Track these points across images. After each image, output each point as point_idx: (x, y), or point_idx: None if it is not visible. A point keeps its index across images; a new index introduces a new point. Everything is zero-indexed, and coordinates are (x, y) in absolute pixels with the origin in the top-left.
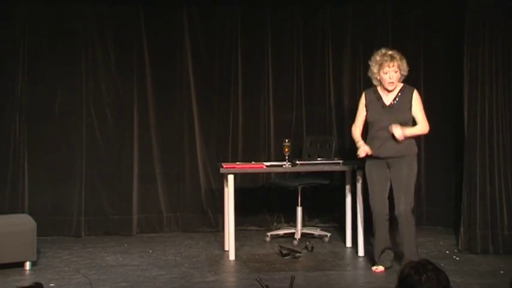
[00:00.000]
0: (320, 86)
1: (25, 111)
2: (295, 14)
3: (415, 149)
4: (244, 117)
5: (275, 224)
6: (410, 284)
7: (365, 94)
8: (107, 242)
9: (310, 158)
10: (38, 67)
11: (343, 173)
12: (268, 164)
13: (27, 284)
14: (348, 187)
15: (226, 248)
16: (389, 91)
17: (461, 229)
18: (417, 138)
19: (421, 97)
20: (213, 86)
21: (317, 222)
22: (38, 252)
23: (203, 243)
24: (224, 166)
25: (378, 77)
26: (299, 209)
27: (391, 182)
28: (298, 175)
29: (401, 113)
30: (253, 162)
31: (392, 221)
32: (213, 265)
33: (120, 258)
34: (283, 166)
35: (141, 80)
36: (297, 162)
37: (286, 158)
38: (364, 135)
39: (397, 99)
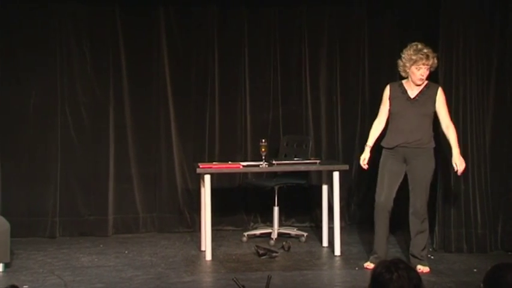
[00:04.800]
0: (297, 86)
1: None
2: (272, 14)
3: (433, 143)
4: (221, 117)
5: (252, 224)
6: (382, 283)
7: (390, 86)
8: (82, 243)
9: (286, 158)
10: (11, 67)
11: (319, 172)
12: (245, 164)
13: (1, 286)
14: (324, 187)
15: (202, 248)
16: (418, 85)
17: (436, 228)
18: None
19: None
20: (190, 86)
21: (294, 222)
22: (12, 253)
23: (179, 244)
24: (201, 166)
25: (408, 71)
26: (276, 209)
27: (404, 178)
28: (275, 175)
29: (425, 106)
30: (229, 162)
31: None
32: (190, 265)
33: (96, 259)
34: (260, 166)
35: (117, 79)
36: (274, 162)
37: (263, 158)
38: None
39: (422, 93)
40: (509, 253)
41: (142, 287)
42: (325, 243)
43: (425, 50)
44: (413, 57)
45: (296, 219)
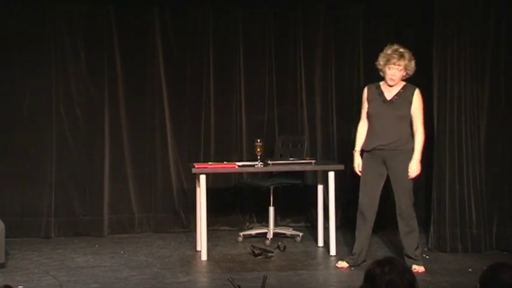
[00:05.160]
0: (292, 86)
1: None
2: (267, 14)
3: (412, 145)
4: (216, 117)
5: (247, 224)
6: (373, 277)
7: (367, 88)
8: (77, 243)
9: (282, 158)
10: (5, 66)
11: (315, 172)
12: (240, 164)
13: None
14: (319, 187)
15: (198, 248)
16: (390, 86)
17: (431, 228)
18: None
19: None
20: (185, 86)
21: (289, 222)
22: (7, 254)
23: (175, 244)
24: (196, 166)
25: (383, 70)
26: (271, 209)
27: (386, 181)
28: (270, 175)
29: (401, 108)
30: (225, 162)
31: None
32: (185, 265)
33: (91, 259)
34: (255, 166)
35: (112, 79)
36: (269, 162)
37: (258, 158)
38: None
39: (399, 95)
40: (504, 253)
41: (138, 287)
42: (320, 243)
43: (400, 50)
44: (387, 57)
45: (291, 219)
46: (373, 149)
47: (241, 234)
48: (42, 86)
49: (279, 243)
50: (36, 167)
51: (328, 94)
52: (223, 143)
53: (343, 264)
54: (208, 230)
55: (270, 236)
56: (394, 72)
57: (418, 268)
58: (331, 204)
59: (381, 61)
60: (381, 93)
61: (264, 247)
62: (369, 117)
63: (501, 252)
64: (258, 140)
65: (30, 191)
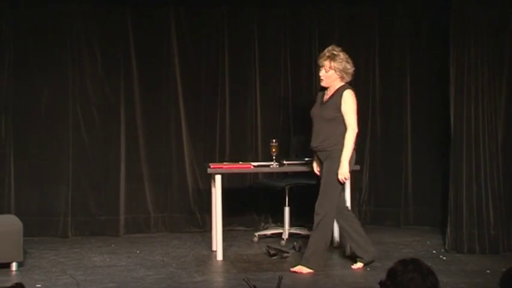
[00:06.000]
0: (307, 85)
1: (11, 111)
2: (282, 14)
3: (340, 147)
4: (231, 117)
5: (263, 224)
6: (395, 273)
7: (319, 92)
8: (93, 242)
9: (297, 158)
10: (23, 67)
11: None
12: (255, 164)
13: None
14: None
15: (213, 248)
16: (324, 88)
17: (448, 229)
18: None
19: (356, 97)
20: (200, 86)
21: (304, 222)
22: (25, 252)
23: (191, 244)
24: (211, 166)
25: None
26: (286, 209)
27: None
28: (285, 175)
29: (328, 110)
30: (240, 163)
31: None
32: (201, 265)
33: (107, 259)
34: (271, 166)
35: (127, 80)
36: (284, 162)
37: (274, 158)
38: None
39: (331, 97)
40: None
41: (154, 286)
42: (335, 243)
43: (333, 52)
44: (318, 59)
45: (307, 220)
46: (311, 150)
47: (256, 234)
48: (59, 86)
49: (294, 243)
50: (53, 167)
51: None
52: (238, 143)
53: (357, 265)
54: (223, 230)
55: (285, 236)
56: (322, 73)
57: (299, 269)
58: (347, 205)
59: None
60: (323, 96)
61: (279, 247)
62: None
63: None
64: (273, 140)
65: (47, 190)
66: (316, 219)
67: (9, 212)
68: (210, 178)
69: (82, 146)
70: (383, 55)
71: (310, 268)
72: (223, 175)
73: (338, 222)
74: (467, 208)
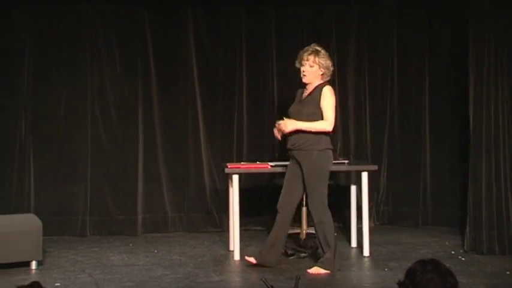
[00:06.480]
0: None
1: (31, 111)
2: (300, 14)
3: (321, 145)
4: (249, 117)
5: None
6: (414, 273)
7: (298, 90)
8: (112, 241)
9: None
10: (43, 67)
11: (348, 173)
12: (273, 164)
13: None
14: (353, 187)
15: (231, 248)
16: (306, 84)
17: (467, 229)
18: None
19: (335, 94)
20: (218, 86)
21: None
22: (44, 251)
23: (208, 243)
24: (229, 166)
25: (300, 68)
26: (304, 209)
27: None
28: None
29: (307, 107)
30: (258, 162)
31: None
32: (218, 265)
33: (126, 258)
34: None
35: (145, 80)
36: None
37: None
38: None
39: (310, 94)
40: None
41: (171, 286)
42: (353, 243)
43: (315, 48)
44: (300, 55)
45: None
46: (288, 149)
47: None
48: (78, 87)
49: (312, 243)
50: (72, 167)
51: (361, 94)
52: (255, 143)
53: (251, 259)
54: (241, 230)
55: (302, 236)
56: (305, 68)
57: (315, 270)
58: (364, 205)
59: (296, 60)
60: (301, 94)
61: (296, 247)
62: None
63: None
64: None
65: (66, 190)
66: (320, 222)
67: (28, 212)
68: (228, 178)
69: (100, 145)
70: (401, 55)
71: (327, 269)
72: (240, 175)
73: (287, 218)
74: (487, 208)
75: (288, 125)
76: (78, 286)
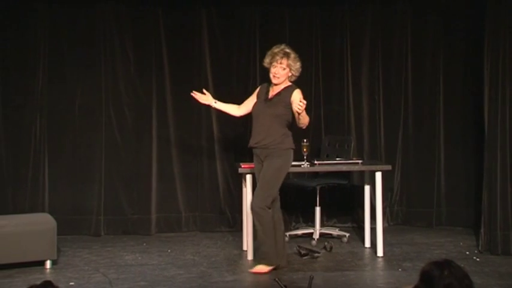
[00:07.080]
0: (338, 85)
1: (45, 110)
2: (314, 14)
3: (287, 145)
4: None
5: (293, 224)
6: (431, 278)
7: (260, 87)
8: (126, 241)
9: (328, 158)
10: (58, 67)
11: (361, 172)
12: None
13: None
14: (366, 187)
15: (244, 248)
16: (275, 85)
17: (482, 230)
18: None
19: (302, 94)
20: (232, 86)
21: (335, 222)
22: (58, 251)
23: (221, 243)
24: (242, 166)
25: (269, 68)
26: (317, 209)
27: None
28: (316, 175)
29: (276, 107)
30: None
31: None
32: (232, 265)
33: (139, 258)
34: (302, 166)
35: (159, 80)
36: (316, 162)
37: (305, 158)
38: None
39: (278, 94)
40: None
41: (185, 285)
42: (367, 243)
43: (286, 50)
44: (272, 55)
45: (338, 220)
46: (252, 147)
47: (287, 234)
48: (92, 86)
49: (326, 243)
50: (86, 166)
51: (375, 94)
52: None
53: (259, 268)
54: (254, 230)
55: (316, 236)
56: (278, 70)
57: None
58: (378, 205)
59: (266, 59)
60: (267, 92)
61: (310, 247)
62: (252, 116)
63: None
64: (305, 140)
65: (80, 189)
66: (260, 221)
67: (43, 211)
68: (241, 178)
69: (114, 145)
70: (416, 54)
71: (268, 265)
72: (254, 175)
73: (272, 217)
74: (502, 209)
75: (302, 104)
76: (92, 285)
